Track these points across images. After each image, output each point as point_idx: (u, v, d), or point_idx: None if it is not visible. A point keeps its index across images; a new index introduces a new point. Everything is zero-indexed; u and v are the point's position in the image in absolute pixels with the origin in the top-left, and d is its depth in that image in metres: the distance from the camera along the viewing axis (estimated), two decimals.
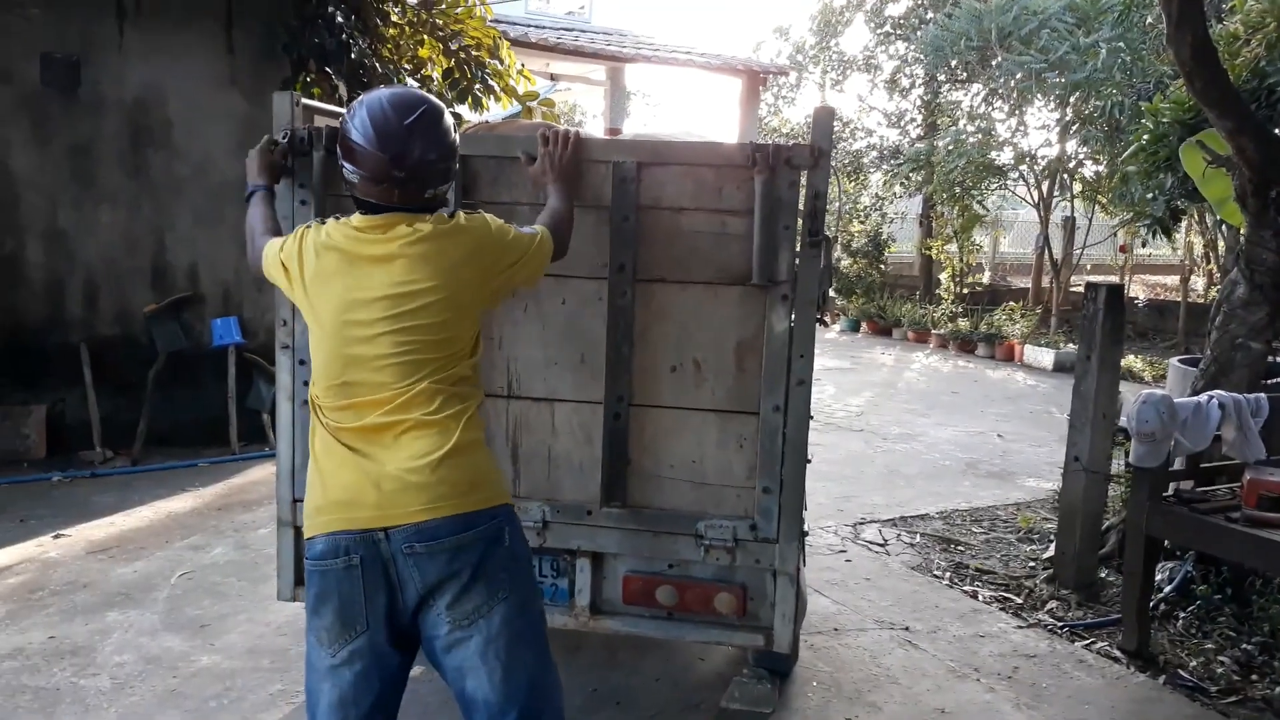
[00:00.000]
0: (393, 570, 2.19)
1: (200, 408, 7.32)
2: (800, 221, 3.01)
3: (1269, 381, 5.47)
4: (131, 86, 7.05)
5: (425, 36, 7.51)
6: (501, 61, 7.73)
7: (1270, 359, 5.45)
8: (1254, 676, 4.18)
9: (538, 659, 2.28)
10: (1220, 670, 4.22)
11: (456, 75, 7.55)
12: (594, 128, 20.14)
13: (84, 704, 3.65)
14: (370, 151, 2.27)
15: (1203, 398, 4.42)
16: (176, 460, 6.95)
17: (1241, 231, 5.37)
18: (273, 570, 3.48)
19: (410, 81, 7.49)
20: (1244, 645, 4.40)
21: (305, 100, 3.33)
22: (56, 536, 5.42)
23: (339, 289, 2.29)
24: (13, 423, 6.87)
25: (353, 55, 6.84)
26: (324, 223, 2.40)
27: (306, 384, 3.21)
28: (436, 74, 7.64)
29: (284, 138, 3.12)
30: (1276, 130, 5.09)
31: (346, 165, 2.33)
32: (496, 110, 7.85)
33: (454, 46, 7.53)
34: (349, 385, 2.28)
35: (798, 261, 3.03)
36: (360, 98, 2.40)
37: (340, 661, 2.21)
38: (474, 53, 7.59)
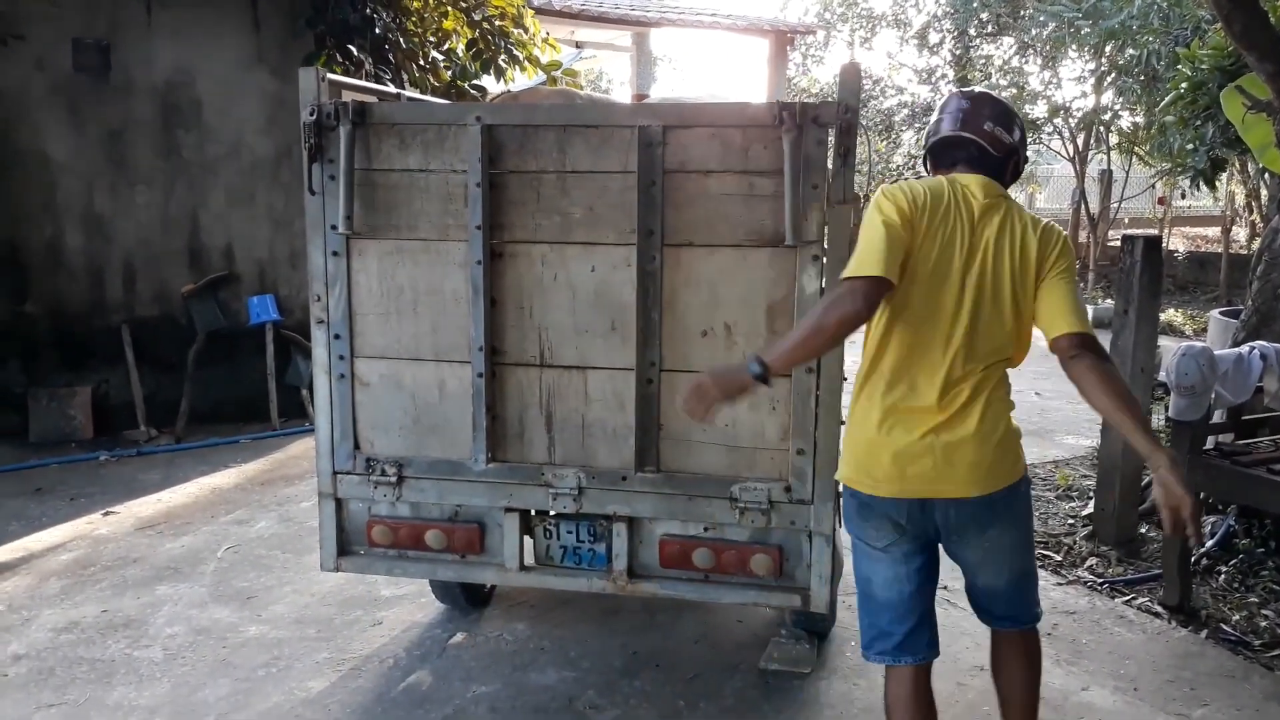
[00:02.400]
0: (932, 521, 2.55)
1: (240, 385, 7.43)
2: (830, 180, 2.99)
3: None
4: (161, 68, 7.11)
5: (449, 8, 7.49)
6: (526, 31, 7.71)
7: None
8: None
9: (1024, 562, 2.71)
10: (1264, 623, 4.18)
11: (480, 46, 7.54)
12: (620, 94, 20.03)
13: (138, 674, 3.76)
14: None
15: (1244, 349, 4.36)
16: (219, 437, 7.06)
17: None
18: (315, 542, 3.54)
19: (435, 54, 7.49)
20: None
21: (331, 75, 3.34)
22: (106, 514, 5.55)
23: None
24: (60, 405, 7.01)
25: (376, 30, 6.84)
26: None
27: (342, 358, 3.29)
28: (461, 46, 7.64)
29: (311, 114, 3.14)
30: None
31: None
32: (522, 80, 7.83)
33: (478, 17, 7.51)
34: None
35: (827, 221, 3.01)
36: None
37: (885, 550, 2.61)
38: (498, 23, 7.57)
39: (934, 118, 2.69)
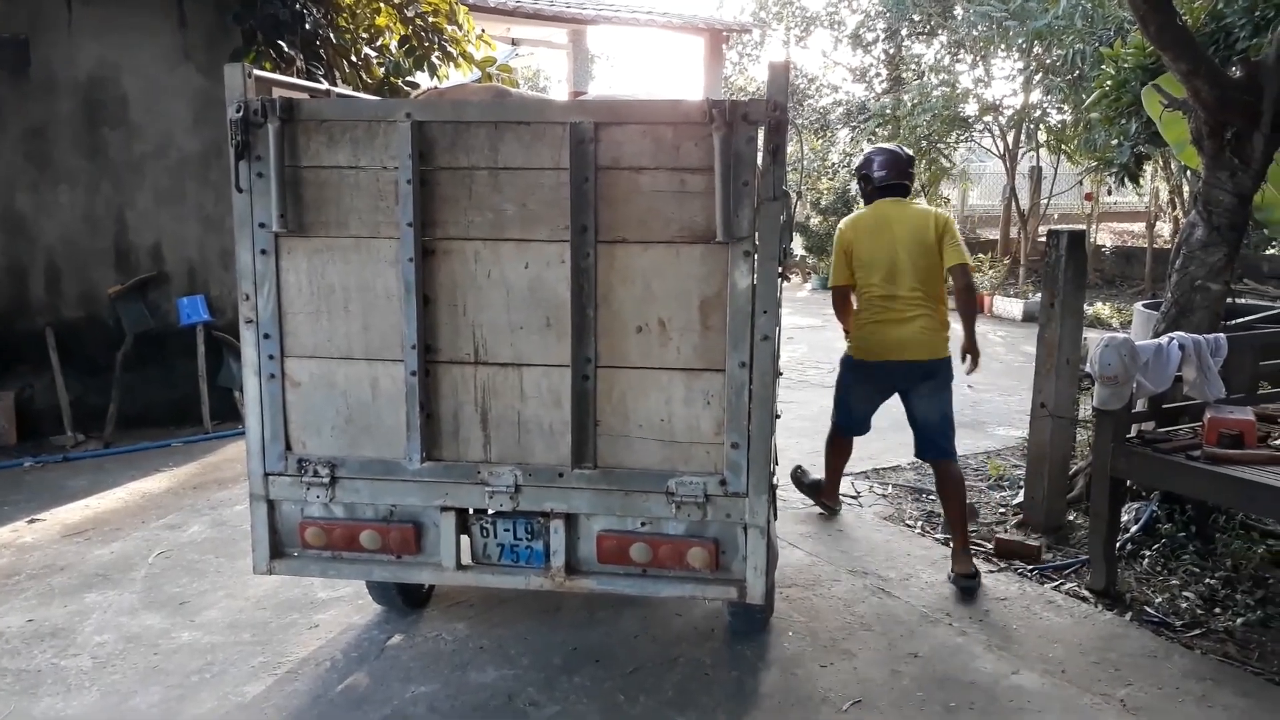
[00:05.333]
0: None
1: (170, 388, 7.28)
2: (759, 176, 3.02)
3: (1228, 322, 5.55)
4: (84, 65, 6.94)
5: (381, 4, 7.41)
6: (460, 27, 7.65)
7: (1229, 299, 5.53)
8: (1217, 610, 4.29)
9: (947, 412, 4.83)
10: (1185, 605, 4.32)
11: (414, 43, 7.47)
12: (558, 92, 19.97)
13: (65, 684, 3.67)
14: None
15: (1163, 340, 4.49)
16: (149, 441, 6.92)
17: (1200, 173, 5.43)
18: (249, 546, 3.49)
19: (368, 51, 7.41)
20: (1207, 580, 4.51)
21: (259, 72, 3.29)
22: (31, 521, 5.40)
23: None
24: None
25: (307, 25, 6.74)
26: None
27: (272, 358, 3.25)
28: (394, 42, 7.56)
29: (238, 111, 3.09)
30: (1232, 72, 5.13)
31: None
32: (457, 77, 7.78)
33: (410, 13, 7.44)
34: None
35: (758, 217, 3.04)
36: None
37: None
38: (431, 19, 7.50)
39: (873, 169, 4.83)
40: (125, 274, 7.23)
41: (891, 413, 7.94)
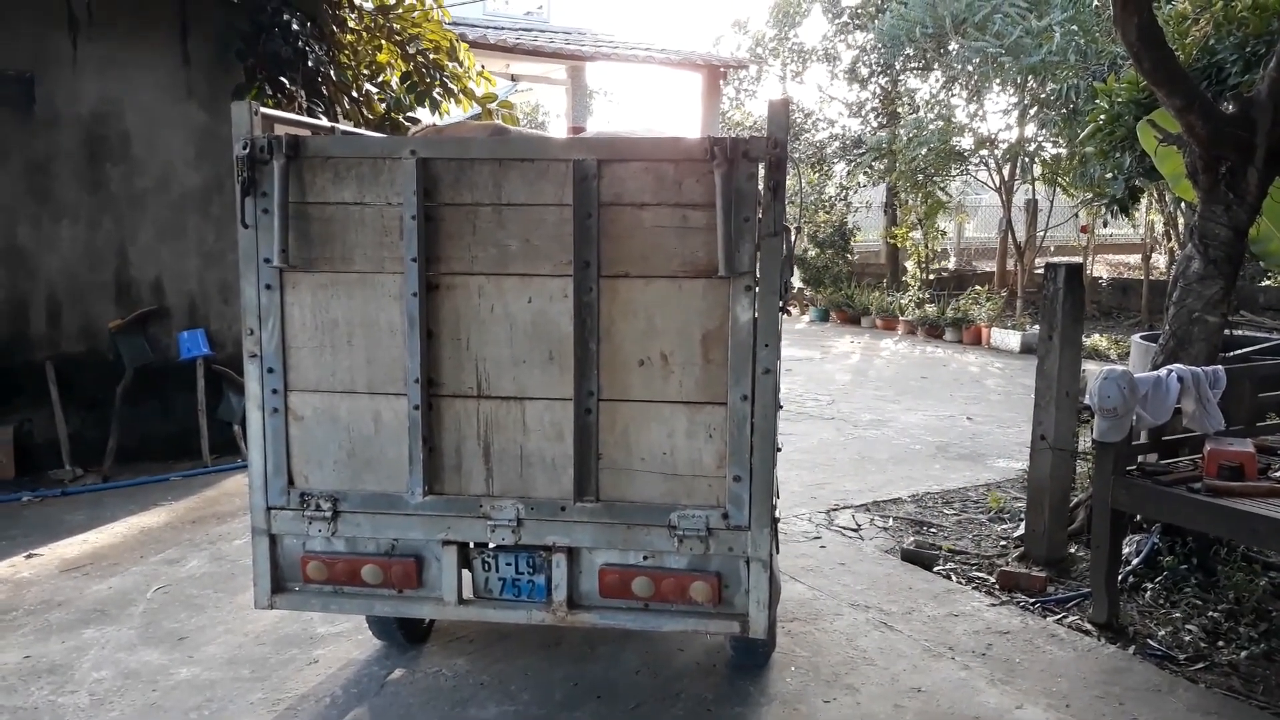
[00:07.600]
0: None
1: (170, 422, 7.27)
2: (760, 212, 3.05)
3: (1226, 354, 5.57)
4: (87, 101, 6.99)
5: (383, 41, 7.49)
6: (460, 64, 7.74)
7: (1226, 331, 5.56)
8: (1220, 643, 4.28)
9: None
10: (1188, 638, 4.31)
11: (415, 79, 7.55)
12: (557, 127, 20.12)
13: None
14: None
15: (1162, 372, 4.50)
16: (148, 475, 6.90)
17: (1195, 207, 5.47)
18: (249, 580, 3.48)
19: (369, 87, 7.48)
20: (1210, 613, 4.50)
21: (264, 109, 3.33)
22: (29, 556, 5.38)
23: None
24: None
25: (309, 62, 6.81)
26: None
27: (276, 392, 3.26)
28: (395, 78, 7.64)
29: (244, 147, 3.12)
30: (1224, 107, 5.19)
31: None
32: (457, 113, 7.85)
33: (412, 50, 7.52)
34: None
35: (759, 252, 3.06)
36: None
37: None
38: (432, 56, 7.58)
39: None
40: (126, 308, 7.24)
41: (892, 445, 7.99)
